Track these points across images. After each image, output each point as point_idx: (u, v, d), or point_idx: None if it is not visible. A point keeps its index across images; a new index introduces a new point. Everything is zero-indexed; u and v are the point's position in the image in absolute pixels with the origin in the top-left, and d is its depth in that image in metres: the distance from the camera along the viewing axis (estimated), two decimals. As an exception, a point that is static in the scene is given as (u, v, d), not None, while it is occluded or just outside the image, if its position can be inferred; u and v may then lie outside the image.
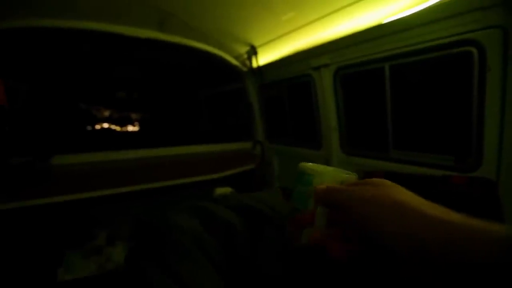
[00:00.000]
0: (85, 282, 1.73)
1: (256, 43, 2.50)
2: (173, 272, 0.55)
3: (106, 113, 4.02)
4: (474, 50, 1.32)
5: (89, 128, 3.80)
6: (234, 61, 2.81)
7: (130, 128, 4.12)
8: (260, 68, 2.73)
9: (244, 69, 2.88)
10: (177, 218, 0.66)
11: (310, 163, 0.53)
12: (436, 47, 1.46)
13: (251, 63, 2.74)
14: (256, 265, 0.61)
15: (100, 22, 2.07)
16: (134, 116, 4.19)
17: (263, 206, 0.75)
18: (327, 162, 2.32)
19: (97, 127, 3.90)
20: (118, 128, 4.01)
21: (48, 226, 1.99)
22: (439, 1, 1.36)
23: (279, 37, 2.26)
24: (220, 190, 2.20)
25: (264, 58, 2.66)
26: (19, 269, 1.74)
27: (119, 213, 2.19)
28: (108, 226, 2.18)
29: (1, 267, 1.69)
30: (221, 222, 0.66)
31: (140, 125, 4.19)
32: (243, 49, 2.63)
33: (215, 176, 2.56)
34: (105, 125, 3.97)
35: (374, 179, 0.42)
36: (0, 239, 1.76)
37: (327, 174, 0.48)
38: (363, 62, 1.86)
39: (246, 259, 0.62)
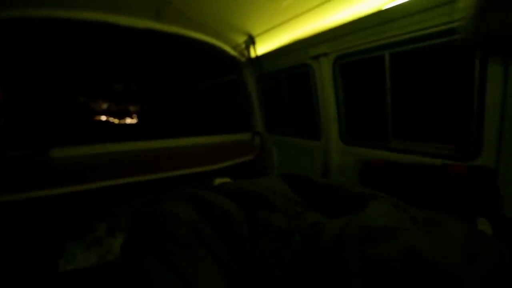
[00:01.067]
0: (85, 273, 1.74)
1: (254, 32, 2.46)
2: (171, 263, 0.55)
3: (104, 106, 3.98)
4: (476, 37, 1.30)
5: (87, 120, 3.77)
6: (232, 51, 2.77)
7: (129, 120, 4.09)
8: (258, 58, 2.70)
9: (242, 59, 2.84)
10: (173, 208, 0.66)
11: None
12: (437, 34, 1.43)
13: (249, 53, 2.70)
14: (256, 254, 0.61)
15: (97, 12, 2.03)
16: (132, 108, 4.16)
17: (263, 189, 0.74)
18: (327, 153, 2.32)
19: (96, 119, 3.88)
20: (116, 121, 3.99)
21: (48, 219, 1.99)
22: (441, -14, 1.33)
23: (278, 25, 2.22)
24: (220, 181, 2.20)
25: (262, 47, 2.62)
26: (20, 261, 1.75)
27: (119, 205, 2.19)
28: (108, 217, 2.19)
29: (2, 259, 1.71)
30: (218, 211, 0.65)
31: (139, 117, 4.17)
32: (241, 39, 2.58)
33: (214, 167, 2.55)
34: (103, 118, 3.94)
35: None
36: (0, 231, 1.77)
37: None
38: (362, 50, 1.83)
39: (245, 248, 0.62)
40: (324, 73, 2.15)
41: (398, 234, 0.57)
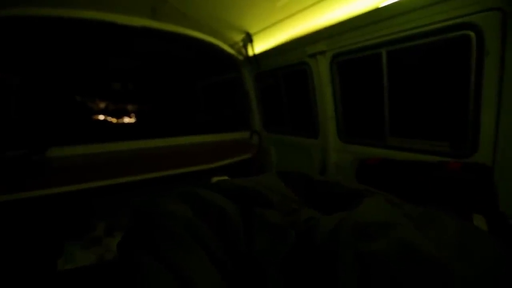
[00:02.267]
0: (83, 272, 1.75)
1: (251, 30, 2.45)
2: (167, 261, 0.55)
3: (102, 105, 3.97)
4: (472, 34, 1.30)
5: (85, 120, 3.76)
6: (230, 50, 2.77)
7: (126, 119, 4.08)
8: (256, 57, 2.69)
9: (240, 57, 2.83)
10: (169, 206, 0.66)
11: None
12: (434, 31, 1.43)
13: (246, 51, 2.69)
14: (251, 250, 0.61)
15: (93, 10, 2.02)
16: (130, 107, 4.15)
17: (259, 187, 0.74)
18: (324, 151, 2.32)
19: (93, 118, 3.86)
20: (114, 120, 3.98)
21: (47, 218, 1.99)
22: (437, -17, 1.33)
23: (275, 23, 2.22)
24: (217, 179, 2.21)
25: (260, 46, 2.61)
26: (19, 261, 1.75)
27: (117, 204, 2.20)
28: (106, 217, 2.19)
29: (1, 258, 1.70)
30: (214, 208, 0.65)
31: (137, 116, 4.16)
32: (238, 37, 2.58)
33: (212, 165, 2.56)
34: (101, 117, 3.93)
35: None
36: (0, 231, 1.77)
37: None
38: (360, 48, 1.83)
39: (241, 244, 0.62)
40: (322, 71, 2.15)
41: (392, 230, 0.57)
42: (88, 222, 2.13)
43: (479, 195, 1.31)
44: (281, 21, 2.16)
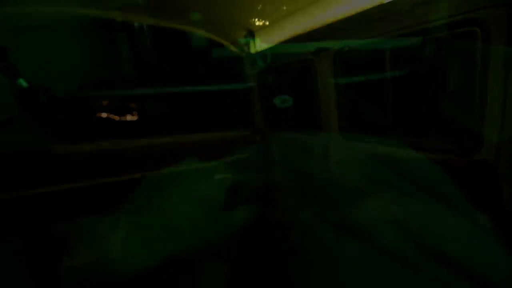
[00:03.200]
0: (86, 269, 1.76)
1: (253, 27, 2.44)
2: (175, 261, 0.56)
3: (105, 102, 3.97)
4: (477, 30, 1.28)
5: (87, 117, 3.76)
6: (232, 47, 2.76)
7: (129, 117, 4.08)
8: (258, 54, 2.68)
9: (242, 54, 2.82)
10: (173, 204, 0.66)
11: None
12: (439, 28, 1.41)
13: (249, 48, 2.68)
14: (255, 245, 0.61)
15: (95, 8, 2.02)
16: (132, 105, 4.14)
17: (262, 184, 0.75)
18: (327, 148, 2.32)
19: (96, 116, 3.87)
20: (117, 118, 3.98)
21: (51, 215, 2.01)
22: (443, -22, 1.31)
23: (277, 20, 2.21)
24: (221, 177, 2.21)
25: (262, 43, 2.60)
26: (23, 259, 1.77)
27: (121, 202, 2.21)
28: (110, 215, 2.20)
29: (6, 256, 1.72)
30: (217, 204, 0.66)
31: (139, 114, 4.15)
32: (240, 34, 2.57)
33: (215, 163, 2.56)
34: (104, 115, 3.93)
35: None
36: (4, 228, 1.79)
37: None
38: (363, 45, 1.82)
39: (245, 240, 0.62)
40: (325, 68, 2.14)
41: (395, 228, 0.57)
42: (92, 220, 2.15)
43: (483, 193, 1.30)
44: (283, 17, 2.15)
